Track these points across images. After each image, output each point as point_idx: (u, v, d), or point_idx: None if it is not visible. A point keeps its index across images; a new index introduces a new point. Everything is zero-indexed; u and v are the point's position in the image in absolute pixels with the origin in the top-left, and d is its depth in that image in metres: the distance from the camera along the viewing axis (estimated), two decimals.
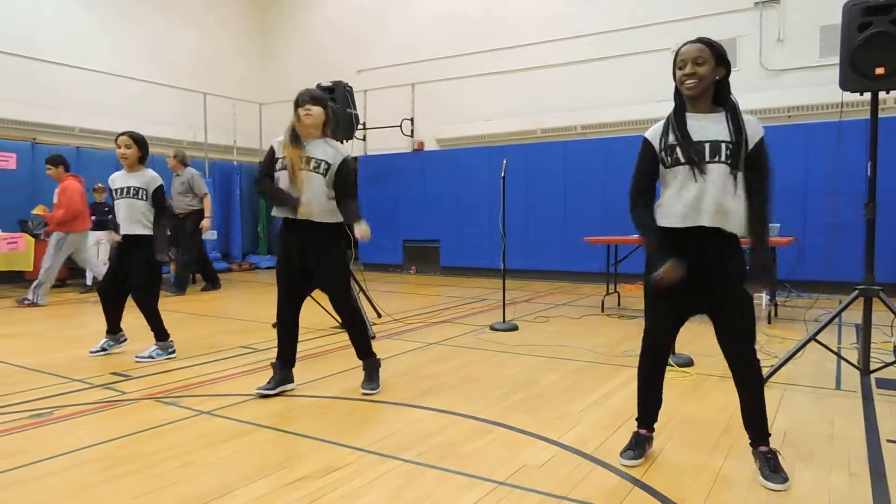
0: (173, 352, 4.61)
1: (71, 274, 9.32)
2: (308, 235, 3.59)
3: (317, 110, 3.61)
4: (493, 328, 5.73)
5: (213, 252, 11.83)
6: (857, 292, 3.80)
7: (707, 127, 2.46)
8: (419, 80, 11.50)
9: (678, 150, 2.46)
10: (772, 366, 3.93)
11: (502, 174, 5.78)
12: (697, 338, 5.24)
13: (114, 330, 4.74)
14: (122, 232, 4.55)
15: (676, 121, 2.50)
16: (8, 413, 3.31)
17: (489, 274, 10.16)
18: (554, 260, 9.99)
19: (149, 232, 4.50)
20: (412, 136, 11.64)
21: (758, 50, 8.64)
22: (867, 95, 3.76)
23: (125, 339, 4.83)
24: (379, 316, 6.24)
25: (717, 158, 2.40)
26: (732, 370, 2.56)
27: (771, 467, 2.41)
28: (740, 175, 2.43)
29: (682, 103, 2.53)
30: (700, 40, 2.48)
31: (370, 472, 2.53)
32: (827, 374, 4.01)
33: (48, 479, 2.48)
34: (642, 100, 9.26)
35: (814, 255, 7.68)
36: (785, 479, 2.37)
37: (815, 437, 2.91)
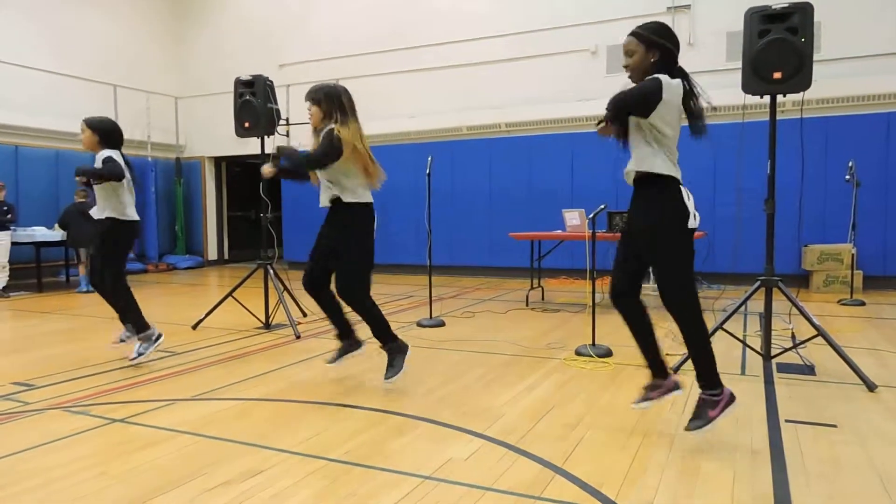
0: (159, 337, 4.46)
1: None
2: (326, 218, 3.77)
3: (314, 109, 3.73)
4: (420, 324, 5.74)
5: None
6: (758, 283, 4.06)
7: None
8: (342, 76, 11.33)
9: None
10: (684, 354, 4.14)
11: (427, 171, 5.80)
12: (618, 328, 5.45)
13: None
14: (96, 217, 4.39)
15: None
16: None
17: (415, 270, 10.18)
18: (480, 256, 10.12)
19: (114, 215, 4.30)
20: None
21: None
22: (767, 98, 4.02)
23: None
24: (304, 315, 6.13)
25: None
26: None
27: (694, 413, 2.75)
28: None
29: None
30: (632, 31, 2.77)
31: (295, 474, 2.48)
32: (733, 361, 4.26)
33: None
34: (564, 98, 9.50)
35: (722, 248, 8.14)
36: (698, 427, 2.70)
37: (722, 419, 3.08)
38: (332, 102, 3.67)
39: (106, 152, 4.31)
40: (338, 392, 3.66)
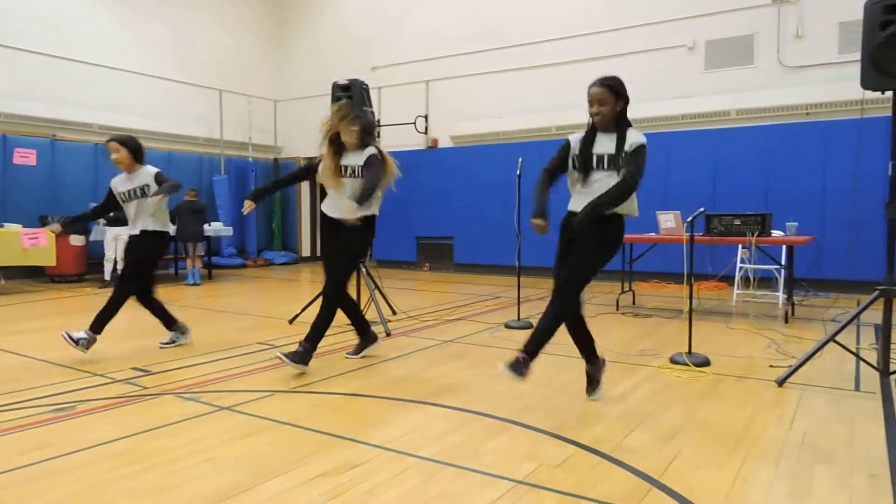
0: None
1: (89, 268, 9.46)
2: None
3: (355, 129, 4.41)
4: (507, 326, 5.73)
5: (229, 248, 11.95)
6: (877, 292, 3.76)
7: (604, 143, 3.18)
8: (433, 78, 11.50)
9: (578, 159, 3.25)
10: (790, 366, 3.91)
11: (518, 172, 5.78)
12: (715, 335, 5.23)
13: (170, 324, 4.92)
14: (131, 232, 4.72)
15: (585, 138, 3.24)
16: (31, 407, 3.37)
17: (503, 271, 10.16)
18: None
19: (157, 227, 4.70)
20: (426, 133, 11.64)
21: (775, 46, 8.54)
22: (889, 93, 3.72)
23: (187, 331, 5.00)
24: (394, 313, 6.27)
25: (601, 167, 3.17)
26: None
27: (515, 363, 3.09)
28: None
29: (594, 126, 3.21)
30: (602, 83, 3.10)
31: (388, 470, 2.55)
32: (846, 376, 3.98)
33: (71, 473, 2.52)
34: (660, 96, 9.19)
35: (833, 254, 7.61)
36: (518, 374, 3.04)
37: (834, 438, 2.89)
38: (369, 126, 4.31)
39: (151, 168, 4.70)
40: (429, 391, 3.71)
